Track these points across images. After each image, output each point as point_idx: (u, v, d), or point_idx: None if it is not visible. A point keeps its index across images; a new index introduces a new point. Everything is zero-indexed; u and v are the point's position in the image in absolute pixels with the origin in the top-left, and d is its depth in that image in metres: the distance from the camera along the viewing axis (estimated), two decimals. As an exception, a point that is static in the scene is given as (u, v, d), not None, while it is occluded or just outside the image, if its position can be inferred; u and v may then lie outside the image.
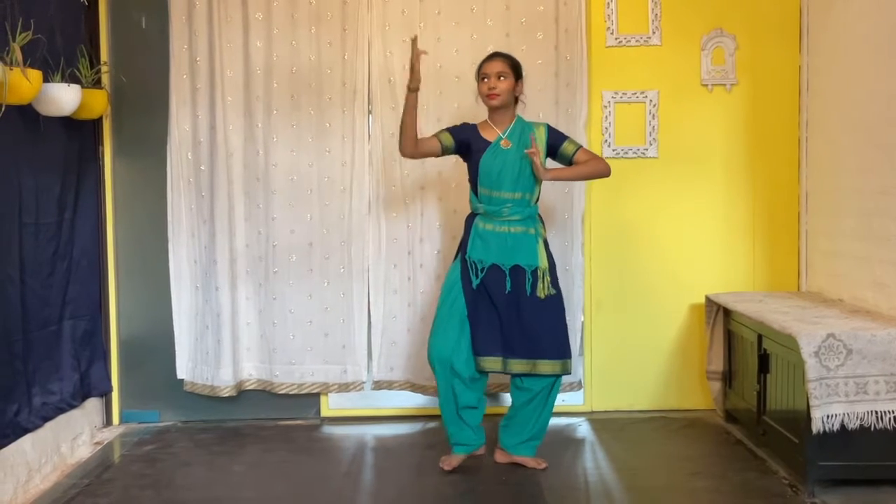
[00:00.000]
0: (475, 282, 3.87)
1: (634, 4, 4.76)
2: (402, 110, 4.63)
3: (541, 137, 3.93)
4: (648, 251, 4.85)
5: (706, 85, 4.81)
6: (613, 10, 4.77)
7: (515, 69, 3.94)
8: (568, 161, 3.97)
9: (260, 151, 4.72)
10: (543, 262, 3.88)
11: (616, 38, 4.79)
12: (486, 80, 3.90)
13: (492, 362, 3.88)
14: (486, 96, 3.89)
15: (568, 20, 4.69)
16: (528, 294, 3.87)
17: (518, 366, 3.89)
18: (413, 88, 3.80)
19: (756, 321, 4.07)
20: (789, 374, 3.81)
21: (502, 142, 3.90)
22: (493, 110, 3.94)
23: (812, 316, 3.90)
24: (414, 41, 3.78)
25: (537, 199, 3.97)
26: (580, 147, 3.98)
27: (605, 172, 4.00)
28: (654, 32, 4.78)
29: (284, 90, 4.71)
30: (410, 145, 3.89)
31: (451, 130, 3.98)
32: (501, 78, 3.88)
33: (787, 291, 4.78)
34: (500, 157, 3.87)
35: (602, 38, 4.78)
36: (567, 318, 4.66)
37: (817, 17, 4.65)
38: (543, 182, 3.93)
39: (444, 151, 3.97)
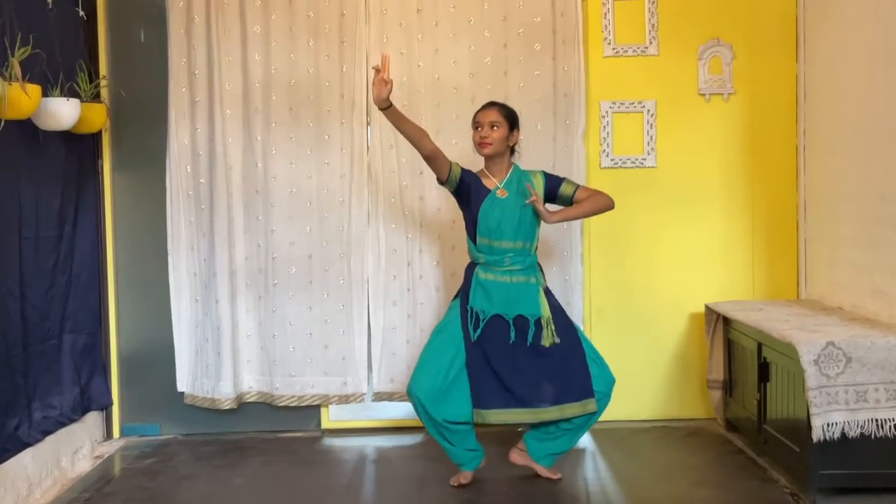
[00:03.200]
0: (474, 335, 3.83)
1: (631, 14, 4.78)
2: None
3: (538, 184, 3.91)
4: (648, 260, 4.86)
5: (703, 94, 4.83)
6: (610, 20, 4.79)
7: (510, 118, 3.91)
8: (569, 201, 3.95)
9: (259, 164, 4.73)
10: (546, 312, 3.85)
11: (613, 49, 4.81)
12: (479, 129, 3.88)
13: (496, 415, 3.81)
14: (478, 145, 3.88)
15: (565, 31, 4.70)
16: (529, 343, 3.83)
17: (523, 415, 3.82)
18: (378, 105, 3.73)
19: (756, 330, 4.07)
20: (789, 383, 3.81)
21: (499, 191, 3.88)
22: (487, 159, 3.92)
23: (812, 324, 3.90)
24: (383, 60, 3.72)
25: (536, 248, 3.95)
26: (578, 186, 3.98)
27: (608, 206, 3.99)
28: (651, 42, 4.80)
29: (283, 103, 4.72)
30: (426, 147, 3.82)
31: (462, 169, 3.94)
32: (494, 127, 3.86)
33: (787, 300, 4.78)
34: (499, 206, 3.85)
35: (599, 49, 4.80)
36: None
37: (814, 26, 4.66)
38: (543, 227, 3.92)
39: (449, 179, 3.90)
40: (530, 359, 3.83)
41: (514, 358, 3.82)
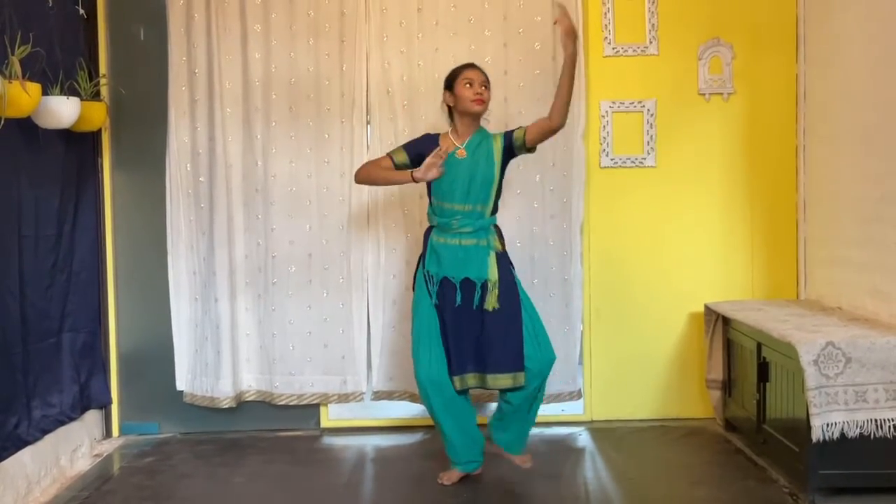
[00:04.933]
0: (433, 297, 3.86)
1: (631, 14, 4.78)
2: (399, 121, 4.68)
3: (498, 147, 3.87)
4: (647, 260, 4.86)
5: (703, 94, 4.83)
6: (610, 19, 4.79)
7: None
8: (522, 143, 3.84)
9: (259, 162, 4.73)
10: (493, 276, 3.82)
11: (613, 48, 4.80)
12: (470, 85, 3.84)
13: (457, 380, 3.86)
14: (472, 101, 3.83)
15: (565, 30, 4.70)
16: (475, 307, 3.82)
17: (471, 380, 3.87)
18: (418, 180, 3.78)
19: (755, 329, 4.07)
20: (789, 383, 3.81)
21: (458, 152, 3.86)
22: (470, 118, 3.88)
23: (811, 324, 3.90)
24: (444, 149, 3.77)
25: (493, 212, 3.90)
26: (526, 127, 3.87)
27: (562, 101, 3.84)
28: (651, 42, 4.80)
29: (283, 101, 4.72)
30: (365, 183, 4.05)
31: (406, 147, 3.96)
32: (485, 87, 3.87)
33: (786, 299, 4.78)
34: (452, 168, 3.82)
35: (599, 48, 4.80)
36: (565, 327, 4.70)
37: (814, 26, 4.66)
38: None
39: (398, 168, 3.92)
40: (473, 324, 3.83)
41: (458, 322, 3.83)
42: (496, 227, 3.95)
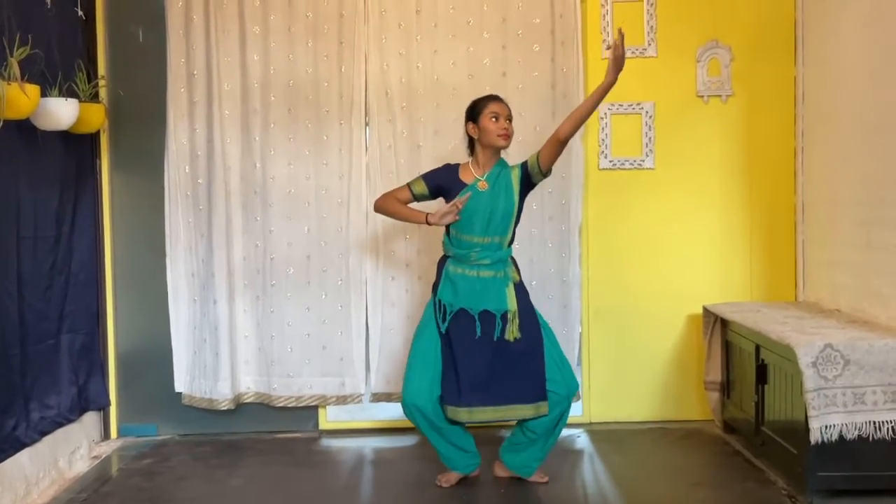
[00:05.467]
0: (443, 326, 3.83)
1: (630, 16, 4.78)
2: (398, 123, 4.69)
3: (516, 178, 3.85)
4: (646, 262, 4.86)
5: (702, 96, 4.83)
6: (609, 22, 4.79)
7: None
8: (538, 167, 3.80)
9: (257, 164, 4.72)
10: (512, 306, 3.80)
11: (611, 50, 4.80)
12: (496, 119, 3.82)
13: (452, 412, 3.79)
14: (499, 136, 3.80)
15: (564, 32, 4.71)
16: (496, 339, 3.79)
17: (484, 414, 3.79)
18: (432, 224, 3.83)
19: (754, 331, 4.07)
20: (787, 385, 3.81)
21: (479, 184, 3.84)
22: (492, 150, 3.86)
23: (809, 326, 3.90)
24: (463, 200, 3.77)
25: (510, 243, 3.90)
26: (539, 152, 3.83)
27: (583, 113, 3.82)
28: (649, 44, 4.81)
29: (282, 103, 4.72)
30: (383, 214, 4.09)
31: (426, 178, 3.96)
32: (509, 121, 3.86)
33: (785, 301, 4.78)
34: (473, 201, 3.80)
35: (598, 50, 4.80)
36: (564, 329, 4.70)
37: (812, 29, 4.67)
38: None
39: (417, 200, 3.95)
40: (493, 357, 3.79)
41: (477, 355, 3.79)
42: (512, 258, 3.94)
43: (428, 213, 3.84)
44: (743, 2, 4.81)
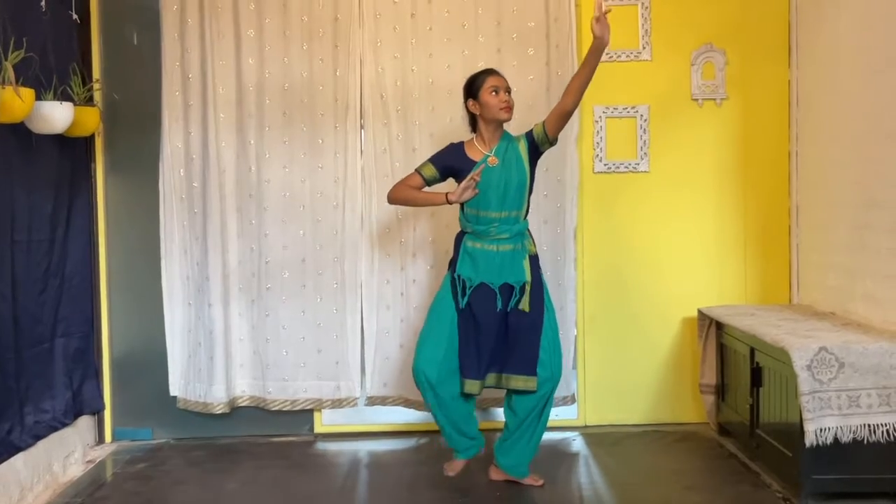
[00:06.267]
0: (462, 301, 3.86)
1: (624, 20, 4.78)
2: (393, 126, 4.69)
3: (524, 149, 3.89)
4: (640, 265, 4.87)
5: (696, 100, 4.84)
6: (604, 25, 4.79)
7: None
8: (544, 136, 3.84)
9: (252, 168, 4.72)
10: (528, 277, 3.85)
11: (607, 54, 4.75)
12: (496, 92, 3.85)
13: (470, 385, 3.87)
14: (501, 109, 3.83)
15: (559, 36, 4.71)
16: (509, 309, 3.85)
17: (490, 380, 3.90)
18: (453, 202, 3.82)
19: (748, 334, 4.08)
20: (782, 388, 3.82)
21: (490, 159, 3.87)
22: (496, 124, 3.89)
23: (804, 329, 3.91)
24: (478, 171, 3.80)
25: (526, 215, 3.93)
26: (544, 120, 3.85)
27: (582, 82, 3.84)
28: (644, 48, 4.82)
29: (277, 106, 4.72)
30: (400, 204, 4.10)
31: (434, 160, 3.98)
32: (509, 93, 3.88)
33: (779, 304, 4.79)
34: (486, 177, 3.82)
35: (593, 54, 4.80)
36: (559, 333, 4.69)
37: (806, 32, 4.68)
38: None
39: (429, 184, 3.98)
40: (501, 326, 3.86)
41: (490, 326, 3.85)
42: (528, 230, 3.97)
43: (447, 193, 3.85)
44: (737, 5, 4.83)
